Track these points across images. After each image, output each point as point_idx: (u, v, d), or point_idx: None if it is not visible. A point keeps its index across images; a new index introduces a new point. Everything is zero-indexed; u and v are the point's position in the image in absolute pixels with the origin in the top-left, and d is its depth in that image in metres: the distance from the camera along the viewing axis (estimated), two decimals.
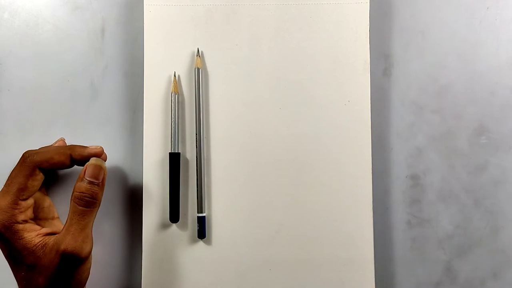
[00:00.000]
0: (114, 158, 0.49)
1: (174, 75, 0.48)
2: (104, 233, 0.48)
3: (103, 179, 0.42)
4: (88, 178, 0.41)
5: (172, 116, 0.47)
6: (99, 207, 0.42)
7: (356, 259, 0.47)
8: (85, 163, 0.43)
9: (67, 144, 0.47)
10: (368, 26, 0.48)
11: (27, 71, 0.49)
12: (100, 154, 0.44)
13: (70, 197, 0.41)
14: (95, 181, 0.41)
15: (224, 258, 0.47)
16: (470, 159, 0.50)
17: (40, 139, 0.49)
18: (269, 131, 0.48)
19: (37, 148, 0.44)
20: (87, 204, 0.40)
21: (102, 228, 0.48)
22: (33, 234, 0.40)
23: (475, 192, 0.50)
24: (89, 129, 0.49)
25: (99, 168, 0.42)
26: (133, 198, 0.48)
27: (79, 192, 0.40)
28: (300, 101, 0.48)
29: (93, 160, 0.42)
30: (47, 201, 0.46)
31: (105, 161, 0.44)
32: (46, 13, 0.50)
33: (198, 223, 0.47)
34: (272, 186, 0.47)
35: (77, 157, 0.42)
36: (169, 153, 0.47)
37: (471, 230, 0.50)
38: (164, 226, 0.47)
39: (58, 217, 0.47)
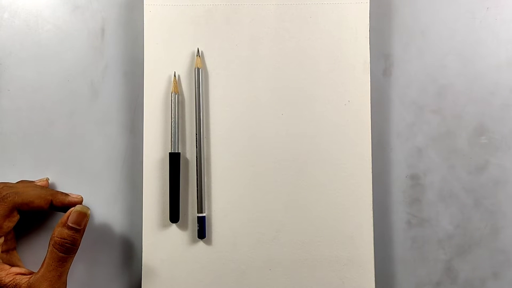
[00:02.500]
0: (114, 158, 0.49)
1: (174, 75, 0.48)
2: (104, 233, 0.48)
3: (85, 225, 0.41)
4: (71, 224, 0.40)
5: (172, 116, 0.47)
6: (76, 253, 0.41)
7: (356, 259, 0.47)
8: (63, 209, 0.42)
9: (48, 184, 0.45)
10: (368, 26, 0.48)
11: (27, 71, 0.49)
12: (80, 203, 0.44)
13: (49, 242, 0.40)
14: (78, 227, 0.40)
15: (224, 258, 0.47)
16: (470, 159, 0.50)
17: (40, 139, 0.49)
18: (269, 131, 0.48)
19: (12, 182, 0.43)
20: (67, 250, 0.40)
21: (103, 229, 0.48)
22: (3, 274, 0.39)
23: (475, 192, 0.50)
24: (89, 129, 0.49)
25: (84, 215, 0.41)
26: (133, 198, 0.48)
27: (60, 238, 0.39)
28: (300, 101, 0.48)
29: (78, 207, 0.41)
30: (11, 233, 0.44)
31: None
32: (46, 13, 0.50)
33: (198, 223, 0.47)
34: (272, 186, 0.47)
35: (57, 203, 0.42)
36: (169, 153, 0.47)
37: (471, 230, 0.50)
38: (164, 226, 0.47)
39: (15, 248, 0.45)
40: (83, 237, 0.41)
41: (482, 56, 0.50)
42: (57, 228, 0.40)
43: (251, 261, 0.47)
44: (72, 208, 0.41)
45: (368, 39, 0.48)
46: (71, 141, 0.49)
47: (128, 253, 0.48)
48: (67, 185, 0.48)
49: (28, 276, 0.40)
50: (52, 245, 0.40)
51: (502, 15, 0.51)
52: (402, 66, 0.50)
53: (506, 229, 0.50)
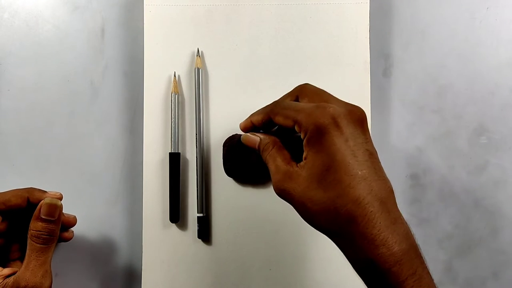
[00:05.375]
0: (114, 158, 0.49)
1: (174, 75, 0.48)
2: (104, 233, 0.48)
3: (59, 215, 0.41)
4: (44, 217, 0.40)
5: (172, 116, 0.47)
6: (56, 241, 0.41)
7: None
8: None
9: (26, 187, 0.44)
10: (368, 26, 0.48)
11: (27, 71, 0.49)
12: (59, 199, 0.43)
13: (27, 235, 0.40)
14: (51, 219, 0.41)
15: (224, 258, 0.47)
16: (470, 159, 0.50)
17: (40, 139, 0.49)
18: None
19: None
20: (44, 241, 0.40)
21: (103, 229, 0.48)
22: None
23: (475, 192, 0.50)
24: (89, 129, 0.49)
25: (55, 207, 0.41)
26: (133, 198, 0.48)
27: (36, 231, 0.40)
28: None
29: (47, 199, 0.41)
30: (2, 237, 0.43)
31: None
32: (46, 13, 0.50)
33: (198, 223, 0.47)
34: (272, 186, 0.47)
35: (34, 201, 0.42)
36: (169, 153, 0.47)
37: (471, 230, 0.50)
38: (164, 226, 0.47)
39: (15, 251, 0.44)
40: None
41: (482, 56, 0.50)
42: (32, 221, 0.41)
43: (251, 261, 0.47)
44: (43, 200, 0.41)
45: (368, 39, 0.48)
46: (71, 141, 0.49)
47: (128, 253, 0.48)
48: (67, 185, 0.48)
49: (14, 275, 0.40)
50: (30, 238, 0.40)
51: (502, 15, 0.51)
52: (402, 66, 0.50)
53: (506, 229, 0.50)
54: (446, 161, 0.50)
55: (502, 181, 0.50)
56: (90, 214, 0.48)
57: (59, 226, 0.42)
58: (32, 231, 0.40)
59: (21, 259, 0.44)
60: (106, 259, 0.48)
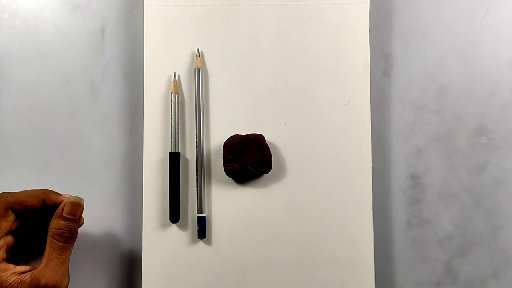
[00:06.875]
0: (114, 158, 0.49)
1: (174, 75, 0.48)
2: (104, 233, 0.48)
3: (80, 214, 0.42)
4: (66, 215, 0.41)
5: (172, 116, 0.47)
6: (75, 241, 0.42)
7: (356, 259, 0.47)
8: (55, 208, 0.42)
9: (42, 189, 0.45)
10: (368, 26, 0.48)
11: (27, 71, 0.49)
12: None
13: (47, 233, 0.41)
14: (73, 217, 0.41)
15: (224, 258, 0.47)
16: (470, 159, 0.50)
17: (40, 139, 0.49)
18: (269, 132, 0.48)
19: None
20: (66, 239, 0.41)
21: (103, 229, 0.48)
22: (7, 274, 0.40)
23: (475, 192, 0.50)
24: (89, 129, 0.49)
25: (78, 206, 0.42)
26: (133, 198, 0.48)
27: (58, 229, 0.41)
28: (300, 101, 0.48)
29: (72, 198, 0.42)
30: (12, 234, 0.44)
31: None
32: (46, 13, 0.50)
33: (198, 223, 0.47)
34: (272, 186, 0.47)
35: (50, 202, 0.42)
36: (169, 153, 0.47)
37: (471, 230, 0.50)
38: (164, 226, 0.47)
39: (20, 247, 0.45)
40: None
41: (482, 56, 0.50)
42: (54, 220, 0.41)
43: (251, 261, 0.47)
44: (67, 199, 0.42)
45: (368, 39, 0.48)
46: (71, 141, 0.49)
47: (128, 253, 0.48)
48: (67, 185, 0.48)
49: (31, 272, 0.41)
50: (51, 236, 0.41)
51: (502, 15, 0.51)
52: (402, 66, 0.50)
53: (506, 229, 0.50)
54: (446, 161, 0.50)
55: (502, 181, 0.50)
56: (90, 214, 0.48)
57: (79, 225, 0.42)
58: (54, 229, 0.41)
59: (24, 259, 0.44)
60: (106, 259, 0.48)
